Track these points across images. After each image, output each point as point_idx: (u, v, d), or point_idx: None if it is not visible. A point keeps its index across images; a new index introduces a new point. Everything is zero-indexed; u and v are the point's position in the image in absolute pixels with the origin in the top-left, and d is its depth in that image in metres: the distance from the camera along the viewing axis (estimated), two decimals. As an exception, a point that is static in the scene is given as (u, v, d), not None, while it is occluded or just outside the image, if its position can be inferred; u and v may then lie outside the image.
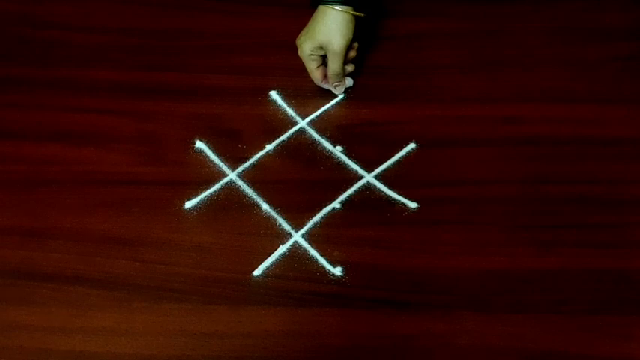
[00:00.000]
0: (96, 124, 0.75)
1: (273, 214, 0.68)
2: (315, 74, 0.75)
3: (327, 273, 0.65)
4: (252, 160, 0.72)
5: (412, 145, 0.73)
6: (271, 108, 0.76)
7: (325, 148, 0.73)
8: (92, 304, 0.63)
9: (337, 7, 0.71)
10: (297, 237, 0.67)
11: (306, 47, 0.73)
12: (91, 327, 0.62)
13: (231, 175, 0.71)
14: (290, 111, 0.76)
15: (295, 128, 0.75)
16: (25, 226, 0.68)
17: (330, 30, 0.72)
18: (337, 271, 0.65)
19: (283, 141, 0.74)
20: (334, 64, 0.73)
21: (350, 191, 0.70)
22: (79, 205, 0.69)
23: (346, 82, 0.76)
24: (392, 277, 0.65)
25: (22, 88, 0.78)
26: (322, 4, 0.72)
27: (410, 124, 0.75)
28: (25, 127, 0.75)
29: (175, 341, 0.61)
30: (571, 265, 0.65)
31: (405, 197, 0.69)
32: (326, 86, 0.76)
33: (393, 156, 0.72)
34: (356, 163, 0.72)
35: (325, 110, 0.76)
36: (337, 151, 0.73)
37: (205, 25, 0.83)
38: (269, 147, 0.73)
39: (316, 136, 0.74)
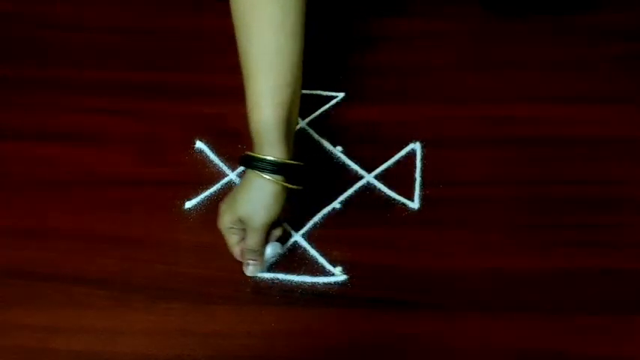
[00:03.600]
0: (95, 124, 0.74)
1: (273, 214, 0.69)
2: (235, 250, 0.63)
3: (327, 273, 0.65)
4: (251, 161, 0.72)
5: (412, 145, 0.73)
6: (271, 108, 0.76)
7: (325, 148, 0.73)
8: (92, 304, 0.63)
9: (266, 176, 0.58)
10: (297, 237, 0.67)
11: (226, 219, 0.61)
12: (91, 327, 0.62)
13: (231, 175, 0.71)
14: (290, 111, 0.76)
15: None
16: (25, 226, 0.68)
17: (254, 201, 0.59)
18: (337, 271, 0.65)
19: (283, 141, 0.74)
20: (251, 240, 0.61)
21: (350, 191, 0.70)
22: (79, 205, 0.69)
23: (264, 264, 0.63)
24: (392, 278, 0.65)
25: (21, 89, 0.78)
26: (250, 169, 0.59)
27: (410, 124, 0.74)
28: (24, 128, 0.75)
29: (175, 341, 0.61)
30: (571, 265, 0.65)
31: (405, 197, 0.69)
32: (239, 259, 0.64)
33: (393, 156, 0.72)
34: (356, 163, 0.72)
35: (325, 110, 0.76)
36: (337, 151, 0.73)
37: (205, 24, 0.83)
38: (269, 147, 0.73)
39: (316, 137, 0.74)
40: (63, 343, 0.61)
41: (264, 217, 0.60)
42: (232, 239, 0.62)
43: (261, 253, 0.62)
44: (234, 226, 0.61)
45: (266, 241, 0.62)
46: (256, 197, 0.59)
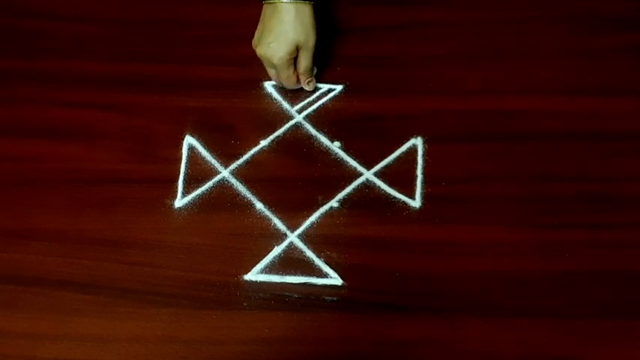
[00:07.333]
0: (81, 119, 0.72)
1: (268, 213, 0.67)
2: (293, 79, 0.71)
3: (324, 276, 0.63)
4: (245, 157, 0.70)
5: (413, 141, 0.71)
6: (266, 101, 0.74)
7: (322, 143, 0.71)
8: (77, 309, 0.62)
9: (299, 2, 0.67)
10: (293, 238, 0.65)
11: (283, 51, 0.68)
12: (76, 333, 0.61)
13: (224, 173, 0.69)
14: (285, 104, 0.74)
15: (291, 123, 0.72)
16: (7, 227, 0.66)
17: (303, 25, 0.67)
18: (334, 273, 0.63)
19: (278, 136, 0.71)
20: (306, 61, 0.70)
21: (348, 189, 0.68)
22: (64, 204, 0.67)
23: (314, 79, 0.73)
24: (392, 280, 0.63)
25: (4, 82, 0.75)
26: (284, 2, 0.67)
27: (411, 118, 0.72)
28: (7, 123, 0.73)
29: (165, 348, 0.60)
30: (580, 266, 0.63)
31: (406, 195, 0.67)
32: (294, 87, 0.73)
33: (394, 152, 0.70)
34: (355, 160, 0.70)
35: (322, 103, 0.74)
36: (335, 146, 0.71)
37: (196, 14, 0.80)
38: (263, 142, 0.71)
39: (313, 131, 0.72)
40: (47, 351, 0.60)
41: (314, 36, 0.69)
42: (290, 70, 0.70)
43: (312, 69, 0.72)
44: (291, 56, 0.69)
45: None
46: (302, 21, 0.68)
